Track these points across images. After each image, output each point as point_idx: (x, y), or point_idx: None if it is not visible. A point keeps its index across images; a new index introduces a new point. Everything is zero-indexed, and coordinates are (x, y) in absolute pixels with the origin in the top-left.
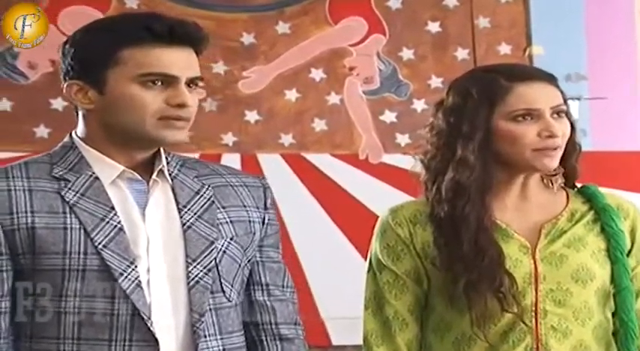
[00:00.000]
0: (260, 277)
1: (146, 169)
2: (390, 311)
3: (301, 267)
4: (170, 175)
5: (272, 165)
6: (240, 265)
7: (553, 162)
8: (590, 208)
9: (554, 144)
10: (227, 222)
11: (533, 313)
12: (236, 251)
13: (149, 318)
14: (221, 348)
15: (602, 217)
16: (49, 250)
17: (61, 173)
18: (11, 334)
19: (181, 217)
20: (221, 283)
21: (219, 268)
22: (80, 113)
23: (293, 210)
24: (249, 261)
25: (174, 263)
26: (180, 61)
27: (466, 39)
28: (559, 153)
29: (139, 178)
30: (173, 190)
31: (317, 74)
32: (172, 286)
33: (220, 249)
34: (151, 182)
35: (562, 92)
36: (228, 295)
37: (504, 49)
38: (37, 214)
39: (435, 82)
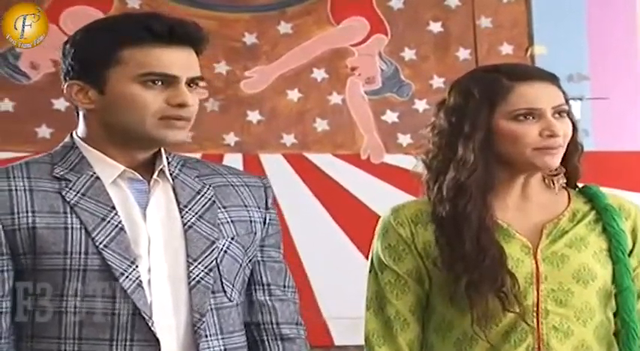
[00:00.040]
0: (261, 277)
1: (147, 169)
2: (391, 311)
3: (303, 267)
4: (171, 174)
5: (274, 165)
6: (241, 265)
7: (554, 161)
8: (591, 208)
9: (556, 143)
10: (228, 222)
11: (535, 313)
12: (237, 251)
13: (150, 318)
14: (222, 348)
15: (604, 217)
16: (49, 250)
17: (61, 173)
18: (12, 334)
19: (182, 217)
20: (222, 283)
21: (221, 267)
22: (81, 113)
23: (295, 210)
24: (250, 261)
25: (175, 263)
26: (180, 60)
27: (468, 39)
28: (560, 152)
29: (140, 177)
30: (174, 189)
31: (319, 74)
32: (173, 286)
33: (221, 249)
34: (151, 182)
35: (564, 92)
36: (229, 295)
37: (506, 49)
38: (38, 214)
39: (437, 82)
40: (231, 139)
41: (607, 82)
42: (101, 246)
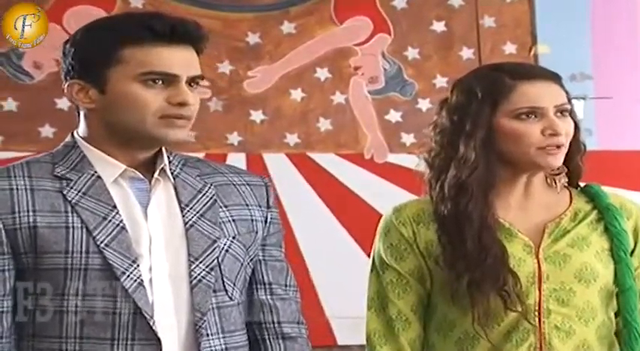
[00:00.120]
0: (263, 276)
1: (148, 168)
2: (393, 310)
3: (306, 266)
4: (172, 173)
5: (277, 165)
6: (242, 264)
7: (556, 160)
8: (593, 208)
9: (558, 142)
10: (229, 221)
11: (537, 313)
12: (238, 250)
13: (151, 317)
14: (223, 347)
15: (606, 217)
16: (50, 249)
17: (62, 172)
18: (14, 333)
19: (184, 216)
20: (223, 282)
21: (222, 266)
22: (81, 113)
23: (298, 209)
24: (251, 260)
25: (176, 262)
26: (181, 60)
27: (471, 38)
28: (563, 151)
29: (141, 176)
30: (175, 188)
31: (322, 74)
32: (174, 285)
33: (223, 248)
34: (153, 181)
35: (566, 91)
36: (230, 294)
37: (509, 48)
38: (39, 213)
39: (440, 81)
40: (234, 138)
41: (610, 81)
42: (102, 245)
